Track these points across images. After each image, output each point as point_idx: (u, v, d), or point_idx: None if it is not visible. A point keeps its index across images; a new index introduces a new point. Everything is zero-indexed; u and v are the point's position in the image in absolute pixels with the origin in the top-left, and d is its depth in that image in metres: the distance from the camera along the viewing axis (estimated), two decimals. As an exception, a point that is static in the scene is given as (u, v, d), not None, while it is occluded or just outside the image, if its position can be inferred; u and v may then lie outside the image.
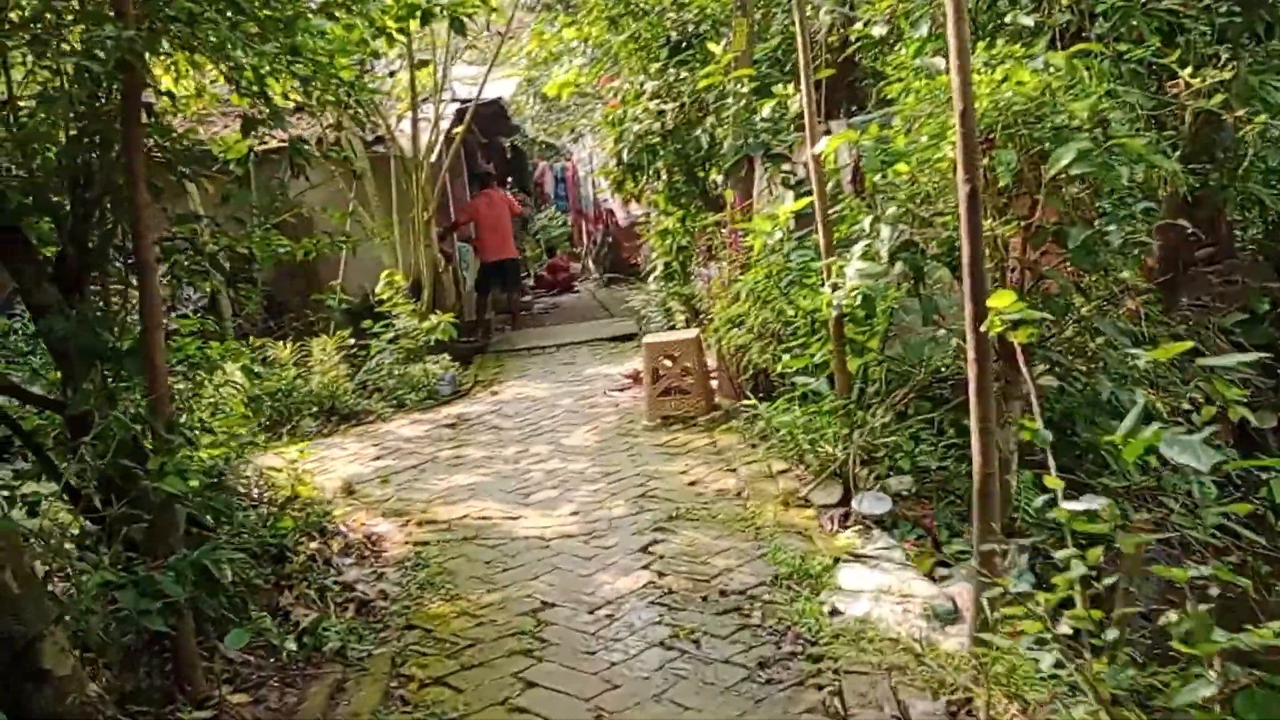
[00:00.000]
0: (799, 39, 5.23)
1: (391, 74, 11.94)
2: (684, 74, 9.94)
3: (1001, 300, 3.50)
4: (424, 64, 11.26)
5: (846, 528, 5.31)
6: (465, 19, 4.98)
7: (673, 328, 11.23)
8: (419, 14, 4.94)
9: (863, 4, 7.85)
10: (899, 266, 5.16)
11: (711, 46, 6.89)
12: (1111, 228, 4.82)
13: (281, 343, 8.91)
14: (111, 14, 3.34)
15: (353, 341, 9.47)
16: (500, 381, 10.17)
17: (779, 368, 6.53)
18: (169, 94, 4.34)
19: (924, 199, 5.26)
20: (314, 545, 5.03)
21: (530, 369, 10.77)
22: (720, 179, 8.13)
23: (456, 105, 11.80)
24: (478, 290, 12.80)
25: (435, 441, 7.90)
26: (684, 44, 9.98)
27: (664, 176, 10.09)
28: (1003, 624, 3.27)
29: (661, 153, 9.83)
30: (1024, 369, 3.73)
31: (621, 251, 19.40)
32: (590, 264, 20.69)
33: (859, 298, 5.12)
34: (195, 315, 5.92)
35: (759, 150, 6.92)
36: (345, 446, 8.03)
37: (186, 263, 4.34)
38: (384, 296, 9.74)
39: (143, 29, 3.44)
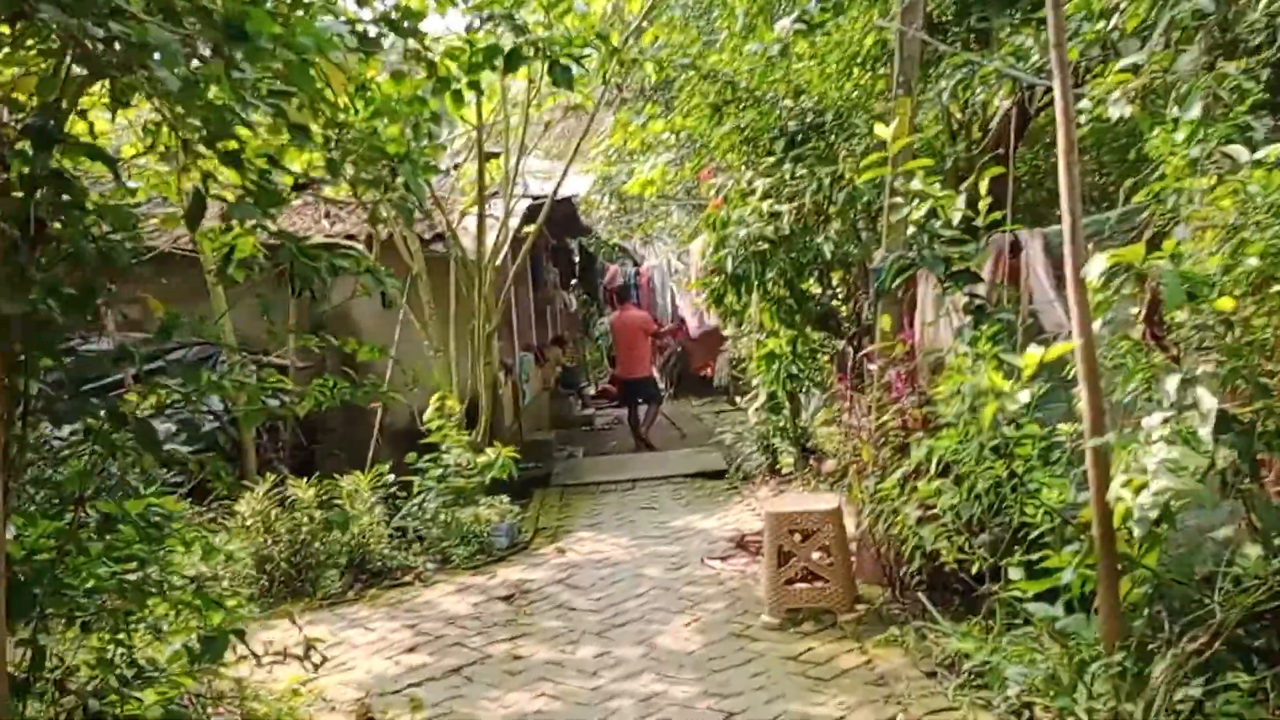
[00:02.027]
0: (1060, 107, 3.52)
1: (455, 166, 10.56)
2: (801, 170, 8.38)
3: None
4: (493, 156, 9.85)
5: None
6: (574, 63, 3.33)
7: (775, 468, 9.38)
8: (502, 58, 3.30)
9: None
10: (1223, 453, 3.34)
11: (880, 130, 5.22)
12: None
13: (305, 480, 7.21)
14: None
15: (392, 477, 7.76)
16: (568, 531, 8.34)
17: (976, 564, 4.66)
18: (106, 158, 2.71)
19: (1262, 350, 3.44)
20: None
21: (602, 514, 8.94)
22: (869, 299, 6.41)
23: (528, 202, 10.30)
24: (627, 404, 13.23)
25: (487, 627, 6.06)
26: (802, 136, 8.42)
27: (772, 290, 8.46)
28: None
29: (772, 261, 8.20)
30: None
31: (692, 362, 18.00)
32: (657, 374, 19.22)
33: (1164, 502, 3.26)
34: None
35: (938, 266, 5.17)
36: (371, 625, 6.23)
37: (107, 428, 2.64)
38: (433, 425, 8.04)
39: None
